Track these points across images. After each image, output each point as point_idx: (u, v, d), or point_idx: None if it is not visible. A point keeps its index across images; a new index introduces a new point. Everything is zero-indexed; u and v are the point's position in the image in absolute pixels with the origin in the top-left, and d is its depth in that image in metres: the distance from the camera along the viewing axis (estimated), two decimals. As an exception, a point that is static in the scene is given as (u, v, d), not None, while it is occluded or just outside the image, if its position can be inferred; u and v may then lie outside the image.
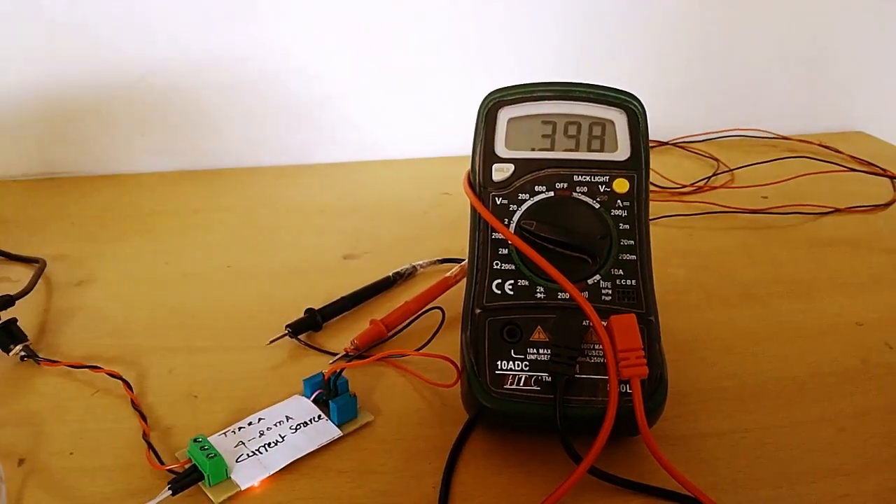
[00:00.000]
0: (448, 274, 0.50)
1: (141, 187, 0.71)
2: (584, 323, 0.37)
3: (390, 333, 0.47)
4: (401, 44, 0.73)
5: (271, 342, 0.46)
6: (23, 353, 0.45)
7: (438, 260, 0.56)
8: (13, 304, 0.48)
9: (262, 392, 0.43)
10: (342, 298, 0.50)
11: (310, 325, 0.48)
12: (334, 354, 0.46)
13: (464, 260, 0.52)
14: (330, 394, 0.40)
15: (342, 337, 0.48)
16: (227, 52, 0.71)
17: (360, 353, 0.46)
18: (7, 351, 0.45)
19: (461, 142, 0.78)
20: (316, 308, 0.48)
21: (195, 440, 0.37)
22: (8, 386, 0.44)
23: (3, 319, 0.46)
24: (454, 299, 0.50)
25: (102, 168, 0.74)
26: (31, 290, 0.51)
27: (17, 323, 0.46)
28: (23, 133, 0.72)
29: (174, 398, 0.43)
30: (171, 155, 0.74)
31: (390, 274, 0.53)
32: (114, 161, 0.74)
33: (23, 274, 0.56)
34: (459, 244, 0.58)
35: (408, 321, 0.48)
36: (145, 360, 0.46)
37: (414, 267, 0.54)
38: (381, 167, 0.76)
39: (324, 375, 0.41)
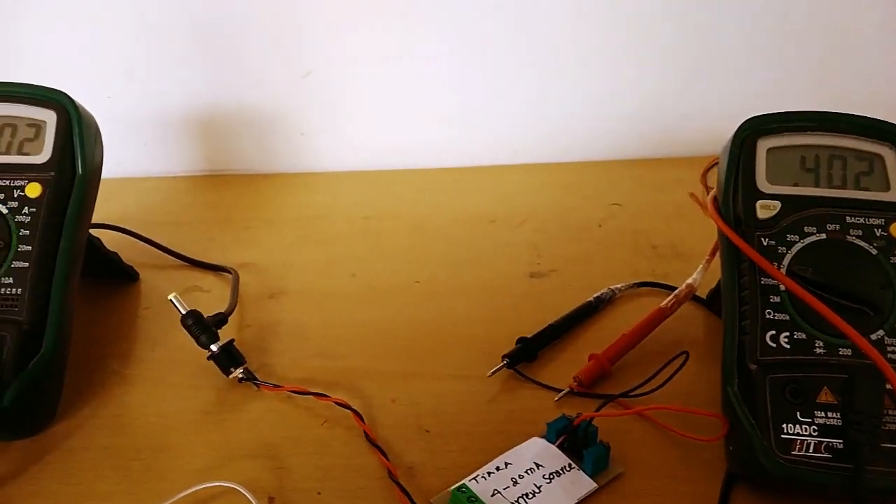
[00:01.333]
0: (663, 304, 0.48)
1: (305, 188, 0.70)
2: (886, 385, 0.35)
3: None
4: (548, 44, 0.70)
5: (492, 374, 0.45)
6: (242, 376, 0.45)
7: (636, 284, 0.54)
8: (226, 322, 0.47)
9: (490, 428, 0.42)
10: (550, 327, 0.48)
11: (525, 355, 0.46)
12: (554, 389, 0.44)
13: (676, 288, 0.49)
14: (580, 442, 0.39)
15: (553, 368, 0.46)
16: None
17: (585, 389, 0.44)
18: (227, 373, 0.45)
19: (625, 144, 0.76)
20: (526, 336, 0.47)
21: (460, 489, 0.36)
22: (230, 410, 0.44)
23: (222, 340, 0.46)
24: (664, 331, 0.48)
25: (264, 166, 0.73)
26: (236, 304, 0.50)
27: (235, 343, 0.46)
28: (186, 130, 0.71)
29: (405, 432, 0.42)
30: (333, 153, 0.73)
31: (591, 299, 0.51)
32: (275, 159, 0.73)
33: (212, 283, 0.56)
34: (646, 264, 0.56)
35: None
36: (364, 387, 0.45)
37: (612, 291, 0.52)
38: (530, 172, 0.73)
39: (570, 421, 0.39)
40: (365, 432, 0.41)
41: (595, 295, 0.52)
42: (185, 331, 0.45)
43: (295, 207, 0.67)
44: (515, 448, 0.40)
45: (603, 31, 0.68)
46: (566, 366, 0.46)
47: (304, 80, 0.69)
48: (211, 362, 0.45)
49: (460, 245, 0.60)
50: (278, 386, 0.44)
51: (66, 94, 0.44)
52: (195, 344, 0.46)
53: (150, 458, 0.40)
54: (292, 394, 0.44)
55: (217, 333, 0.45)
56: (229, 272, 0.55)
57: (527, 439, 0.41)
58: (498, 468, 0.38)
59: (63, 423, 0.42)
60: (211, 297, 0.55)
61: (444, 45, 0.68)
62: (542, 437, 0.40)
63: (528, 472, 0.38)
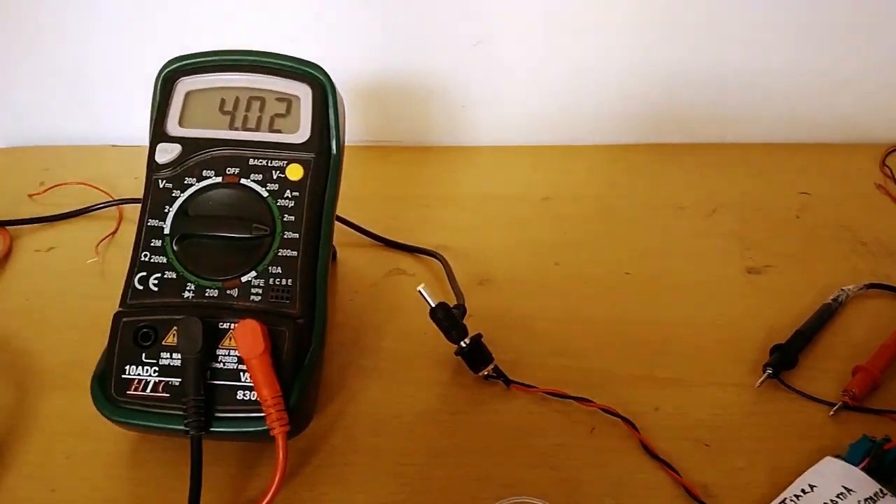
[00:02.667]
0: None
1: (469, 163, 0.67)
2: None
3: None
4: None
5: (759, 384, 0.43)
6: (491, 374, 0.43)
7: (866, 285, 0.51)
8: (466, 313, 0.45)
9: (772, 444, 0.40)
10: (800, 332, 0.46)
11: (785, 363, 0.44)
12: (825, 403, 0.42)
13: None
14: (889, 466, 0.36)
15: (808, 377, 0.44)
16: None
17: (859, 403, 0.42)
18: (477, 371, 0.43)
19: (809, 128, 0.72)
20: (780, 343, 0.45)
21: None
22: (485, 411, 0.42)
23: (469, 333, 0.43)
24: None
25: (418, 138, 0.70)
26: (462, 295, 0.47)
27: (482, 338, 0.43)
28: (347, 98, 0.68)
29: (681, 445, 0.40)
30: (493, 126, 0.69)
31: (830, 301, 0.49)
32: (431, 131, 0.70)
33: (414, 266, 0.53)
34: (862, 263, 0.53)
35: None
36: (618, 392, 0.42)
37: (845, 293, 0.50)
38: (705, 153, 0.70)
39: (876, 444, 0.37)
40: (643, 444, 0.39)
41: (832, 297, 0.49)
42: (400, 319, 0.44)
43: (467, 184, 0.64)
44: (813, 469, 0.38)
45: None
46: (820, 375, 0.44)
47: (473, 48, 0.66)
48: (451, 356, 0.43)
49: (657, 233, 0.57)
50: (531, 387, 0.42)
51: (320, 67, 0.41)
52: (420, 333, 0.44)
53: (423, 462, 0.38)
54: (548, 396, 0.42)
55: (466, 328, 0.43)
56: (434, 256, 0.53)
57: (809, 456, 0.39)
58: (803, 491, 0.36)
59: (319, 421, 0.40)
60: (416, 282, 0.52)
61: (633, 17, 0.64)
62: (837, 457, 0.38)
63: (840, 496, 0.36)
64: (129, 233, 0.57)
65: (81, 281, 0.52)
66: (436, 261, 0.53)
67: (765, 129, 0.70)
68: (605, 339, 0.47)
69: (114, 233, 0.56)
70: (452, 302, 0.44)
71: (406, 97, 0.68)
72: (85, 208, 0.58)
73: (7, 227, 0.56)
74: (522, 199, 0.62)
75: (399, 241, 0.55)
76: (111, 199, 0.59)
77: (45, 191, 0.61)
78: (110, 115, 0.69)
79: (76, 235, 0.57)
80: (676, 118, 0.69)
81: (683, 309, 0.50)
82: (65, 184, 0.61)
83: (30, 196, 0.61)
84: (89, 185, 0.61)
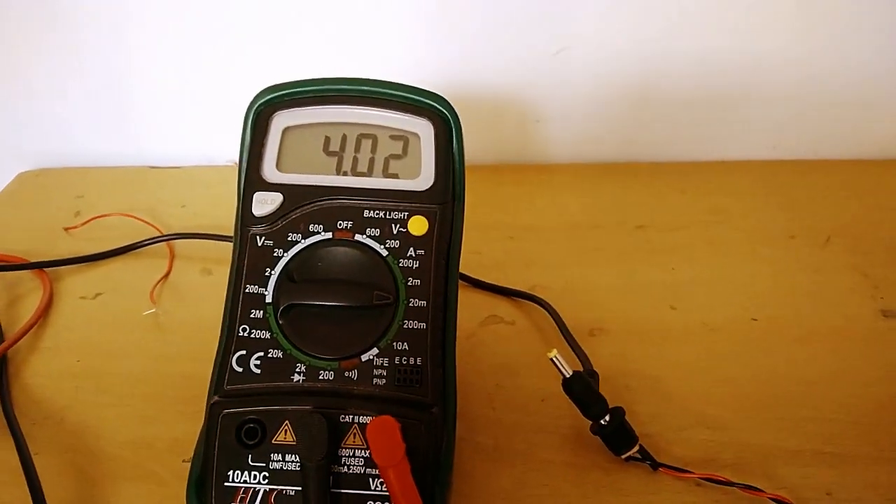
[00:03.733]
0: None
1: (551, 184, 0.61)
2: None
3: None
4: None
5: (944, 462, 0.37)
6: (635, 456, 0.37)
7: None
8: (599, 379, 0.39)
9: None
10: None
11: (964, 435, 0.38)
12: None
13: None
14: None
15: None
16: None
17: None
18: (619, 453, 0.37)
19: None
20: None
21: None
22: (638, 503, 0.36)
23: (606, 407, 0.37)
24: None
25: (485, 156, 0.63)
26: (587, 356, 0.41)
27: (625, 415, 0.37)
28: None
29: (872, 543, 0.34)
30: (565, 143, 0.63)
31: None
32: (497, 148, 0.63)
33: (511, 312, 0.47)
34: None
35: None
36: (785, 474, 0.37)
37: None
38: (797, 171, 0.64)
39: None
40: (826, 542, 0.34)
41: None
42: (510, 381, 0.38)
43: (551, 210, 0.58)
44: None
45: None
46: None
47: (554, 57, 0.60)
48: (580, 429, 0.37)
49: (772, 268, 0.52)
50: (685, 471, 0.36)
51: (443, 98, 0.34)
52: (537, 401, 0.38)
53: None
54: (704, 482, 0.36)
55: (606, 400, 0.37)
56: (536, 302, 0.47)
57: None
58: None
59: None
60: (516, 332, 0.46)
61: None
62: None
63: None
64: (182, 273, 0.51)
65: (137, 336, 0.45)
66: (535, 306, 0.47)
67: (860, 143, 0.65)
68: (748, 403, 0.41)
69: (167, 275, 0.50)
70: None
71: (475, 110, 0.62)
72: (131, 245, 0.52)
73: (45, 270, 0.50)
74: (615, 227, 0.56)
75: (490, 281, 0.49)
76: (160, 235, 0.52)
77: (83, 224, 0.54)
78: (147, 134, 0.63)
79: (124, 277, 0.50)
80: (758, 130, 0.63)
81: (825, 363, 0.44)
82: (105, 215, 0.55)
83: (66, 230, 0.54)
84: (132, 217, 0.54)
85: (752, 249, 0.53)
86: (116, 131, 0.63)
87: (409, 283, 0.32)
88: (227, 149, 0.62)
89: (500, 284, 0.48)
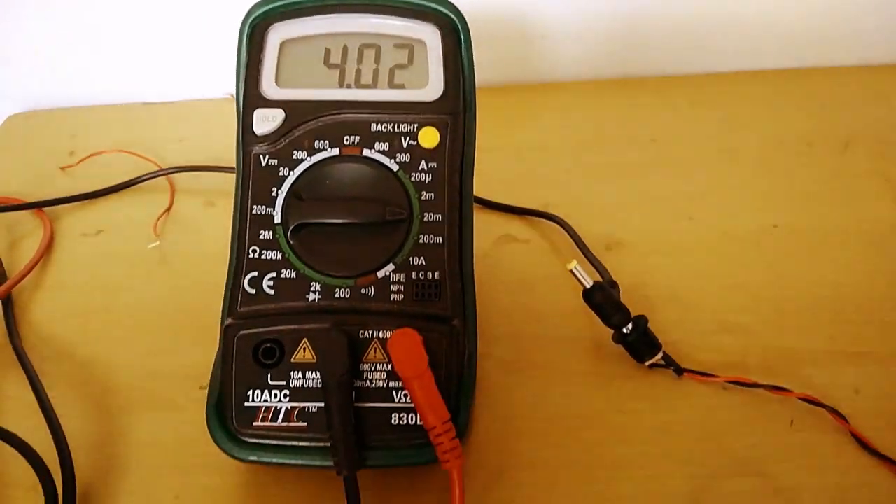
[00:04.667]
0: None
1: (558, 104, 0.58)
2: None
3: None
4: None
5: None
6: (659, 362, 0.36)
7: None
8: (620, 290, 0.38)
9: None
10: None
11: None
12: None
13: None
14: None
15: None
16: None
17: None
18: (642, 360, 0.36)
19: None
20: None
21: None
22: (659, 409, 0.35)
23: (629, 316, 0.36)
24: None
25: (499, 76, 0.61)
26: (605, 267, 0.40)
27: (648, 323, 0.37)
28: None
29: (898, 435, 0.34)
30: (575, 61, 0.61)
31: None
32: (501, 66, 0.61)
33: (524, 231, 0.46)
34: None
35: None
36: (812, 375, 0.36)
37: None
38: (812, 79, 0.61)
39: None
40: (856, 437, 0.33)
41: None
42: (527, 298, 0.38)
43: (558, 128, 0.56)
44: None
45: None
46: None
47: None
48: (602, 340, 0.37)
49: (789, 176, 0.50)
50: (710, 375, 0.36)
51: (449, 2, 0.32)
52: (557, 315, 0.38)
53: (607, 477, 0.32)
54: (730, 385, 0.36)
55: (628, 309, 0.36)
56: (551, 219, 0.45)
57: None
58: None
59: (478, 433, 0.34)
60: (531, 250, 0.45)
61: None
62: None
63: None
64: (184, 206, 0.50)
65: (142, 270, 0.44)
66: (549, 224, 0.46)
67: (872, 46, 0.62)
68: (771, 308, 0.40)
69: (168, 209, 0.48)
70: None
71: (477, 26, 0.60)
72: (130, 181, 0.50)
73: (44, 209, 0.48)
74: (627, 142, 0.54)
75: (501, 201, 0.48)
76: (159, 169, 0.51)
77: (79, 162, 0.53)
78: (139, 70, 0.60)
79: (125, 213, 0.49)
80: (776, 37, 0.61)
81: (848, 266, 0.43)
82: (101, 153, 0.53)
83: (62, 169, 0.53)
84: (130, 153, 0.53)
85: (769, 158, 0.52)
86: (107, 69, 0.60)
87: (423, 198, 0.31)
88: (222, 81, 0.60)
89: (512, 204, 0.47)
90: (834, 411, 0.34)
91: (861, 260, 0.43)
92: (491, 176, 0.49)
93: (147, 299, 0.42)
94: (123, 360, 0.38)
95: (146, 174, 0.50)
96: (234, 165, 0.34)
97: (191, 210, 0.49)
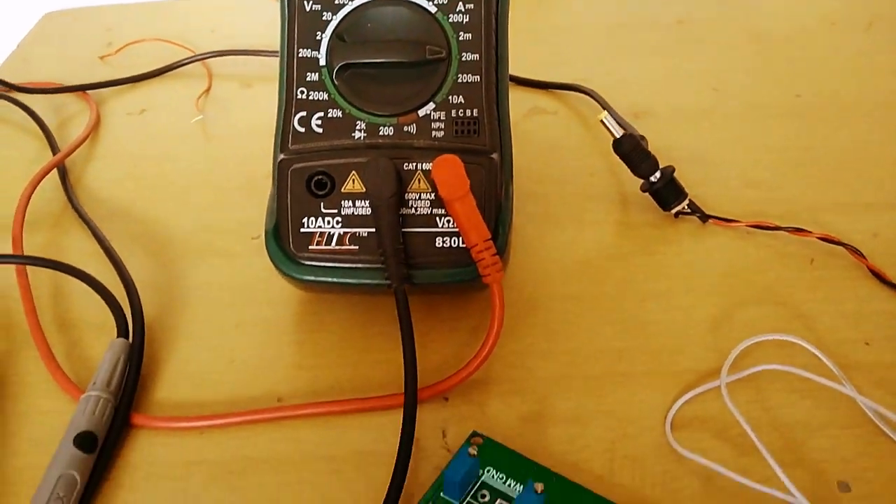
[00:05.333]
0: None
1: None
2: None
3: None
4: None
5: None
6: (685, 210, 0.38)
7: None
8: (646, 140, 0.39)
9: None
10: None
11: None
12: None
13: None
14: None
15: None
16: None
17: None
18: (668, 208, 0.38)
19: None
20: None
21: None
22: (685, 251, 0.37)
23: (657, 164, 0.38)
24: None
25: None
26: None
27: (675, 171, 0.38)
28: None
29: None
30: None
31: None
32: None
33: (552, 104, 0.47)
34: None
35: None
36: (833, 221, 0.38)
37: None
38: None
39: None
40: (872, 271, 0.35)
41: None
42: (558, 162, 0.39)
43: (581, 11, 0.57)
44: None
45: None
46: None
47: None
48: (633, 194, 0.39)
49: (814, 52, 0.51)
50: (733, 220, 0.38)
51: None
52: (587, 175, 0.39)
53: (635, 307, 0.34)
54: (753, 229, 0.37)
55: (656, 159, 0.38)
56: (581, 91, 0.47)
57: None
58: None
59: (513, 273, 0.36)
60: (559, 120, 0.47)
61: None
62: None
63: None
64: (221, 90, 0.51)
65: (187, 143, 0.46)
66: (579, 97, 0.47)
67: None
68: (795, 166, 0.42)
69: (208, 90, 0.50)
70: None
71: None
72: (169, 66, 0.52)
73: (88, 92, 0.50)
74: (653, 23, 0.55)
75: (531, 77, 0.49)
76: (195, 55, 0.52)
77: (118, 51, 0.55)
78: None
79: (165, 95, 0.51)
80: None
81: (870, 131, 0.44)
82: (138, 41, 0.55)
83: (101, 58, 0.55)
84: (166, 41, 0.54)
85: (793, 38, 0.53)
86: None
87: (461, 38, 0.32)
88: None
89: (542, 80, 0.48)
90: (853, 249, 0.36)
91: (881, 125, 0.44)
92: (518, 57, 0.51)
93: (194, 167, 0.44)
94: (177, 218, 0.40)
95: (184, 59, 0.52)
96: (268, 50, 0.34)
97: (228, 92, 0.51)
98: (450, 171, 0.30)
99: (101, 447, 0.28)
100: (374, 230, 0.31)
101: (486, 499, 0.26)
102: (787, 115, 0.45)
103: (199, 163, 0.44)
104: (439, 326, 0.33)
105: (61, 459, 0.27)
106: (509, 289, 0.35)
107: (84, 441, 0.28)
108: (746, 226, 0.37)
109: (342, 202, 0.31)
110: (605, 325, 0.33)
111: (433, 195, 0.31)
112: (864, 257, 0.35)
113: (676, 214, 0.38)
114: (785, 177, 0.41)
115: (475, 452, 0.26)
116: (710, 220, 0.38)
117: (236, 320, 0.34)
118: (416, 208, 0.31)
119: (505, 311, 0.30)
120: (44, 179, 0.41)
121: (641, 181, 0.38)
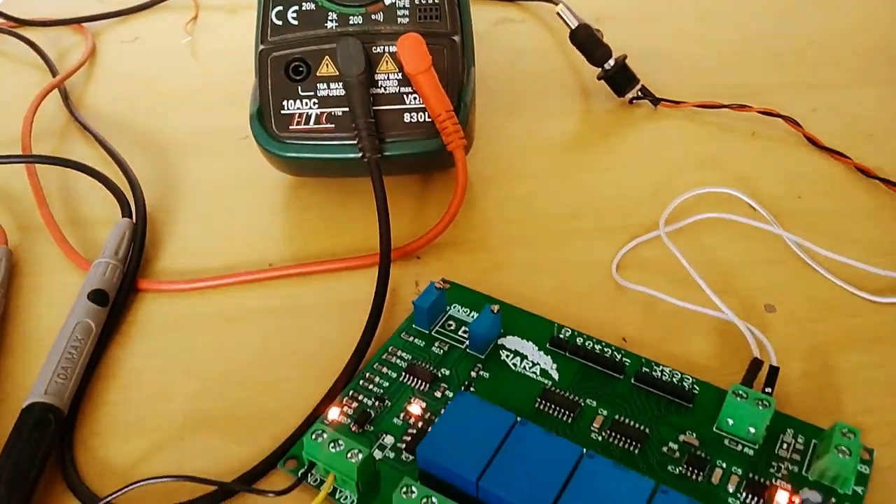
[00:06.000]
0: None
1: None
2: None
3: None
4: None
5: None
6: (637, 95, 0.41)
7: None
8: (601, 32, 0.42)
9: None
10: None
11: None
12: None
13: None
14: None
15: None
16: None
17: None
18: (621, 94, 0.41)
19: None
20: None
21: None
22: (639, 130, 0.40)
23: (610, 52, 0.41)
24: None
25: None
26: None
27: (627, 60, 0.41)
28: None
29: (847, 138, 0.38)
30: None
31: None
32: None
33: (520, 14, 0.50)
34: None
35: None
36: (775, 99, 0.41)
37: None
38: None
39: None
40: (808, 138, 0.38)
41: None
42: (523, 63, 0.42)
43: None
44: None
45: None
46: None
47: None
48: (591, 84, 0.42)
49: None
50: (681, 102, 0.41)
51: None
52: (550, 72, 0.42)
53: (593, 180, 0.38)
54: (700, 108, 0.41)
55: (610, 49, 0.41)
56: (543, 0, 0.50)
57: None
58: None
59: (475, 154, 0.39)
60: (527, 29, 0.50)
61: None
62: None
63: None
64: (210, 19, 0.54)
65: (176, 63, 0.49)
66: (542, 6, 0.50)
67: None
68: (743, 54, 0.45)
69: (195, 17, 0.53)
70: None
71: None
72: (157, -1, 0.55)
73: (84, 25, 0.53)
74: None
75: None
76: (183, -15, 0.55)
77: (110, -14, 0.58)
78: None
79: (157, 25, 0.54)
80: None
81: (818, 19, 0.47)
82: (128, -24, 0.58)
83: (92, -5, 0.58)
84: (154, -25, 0.57)
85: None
86: None
87: (422, -68, 0.35)
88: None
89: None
90: (791, 119, 0.39)
91: (825, 18, 0.47)
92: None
93: (185, 83, 0.47)
94: (171, 125, 0.44)
95: (171, -10, 0.55)
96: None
97: (215, 19, 0.54)
98: (413, 48, 0.33)
99: (112, 305, 0.32)
100: (347, 109, 0.34)
101: (452, 327, 0.30)
102: (736, 11, 0.48)
103: (189, 79, 0.47)
104: (411, 201, 0.37)
105: (78, 311, 0.31)
106: (474, 166, 0.38)
107: (97, 296, 0.31)
108: (693, 106, 0.41)
109: (318, 85, 0.34)
110: (561, 194, 0.37)
111: (400, 74, 0.34)
112: (800, 126, 0.38)
113: (631, 101, 0.41)
114: (731, 64, 0.44)
115: (441, 285, 0.30)
116: (661, 104, 0.41)
117: (228, 205, 0.38)
118: (385, 87, 0.34)
119: (469, 184, 0.33)
120: (47, 101, 0.44)
121: (598, 70, 0.41)
